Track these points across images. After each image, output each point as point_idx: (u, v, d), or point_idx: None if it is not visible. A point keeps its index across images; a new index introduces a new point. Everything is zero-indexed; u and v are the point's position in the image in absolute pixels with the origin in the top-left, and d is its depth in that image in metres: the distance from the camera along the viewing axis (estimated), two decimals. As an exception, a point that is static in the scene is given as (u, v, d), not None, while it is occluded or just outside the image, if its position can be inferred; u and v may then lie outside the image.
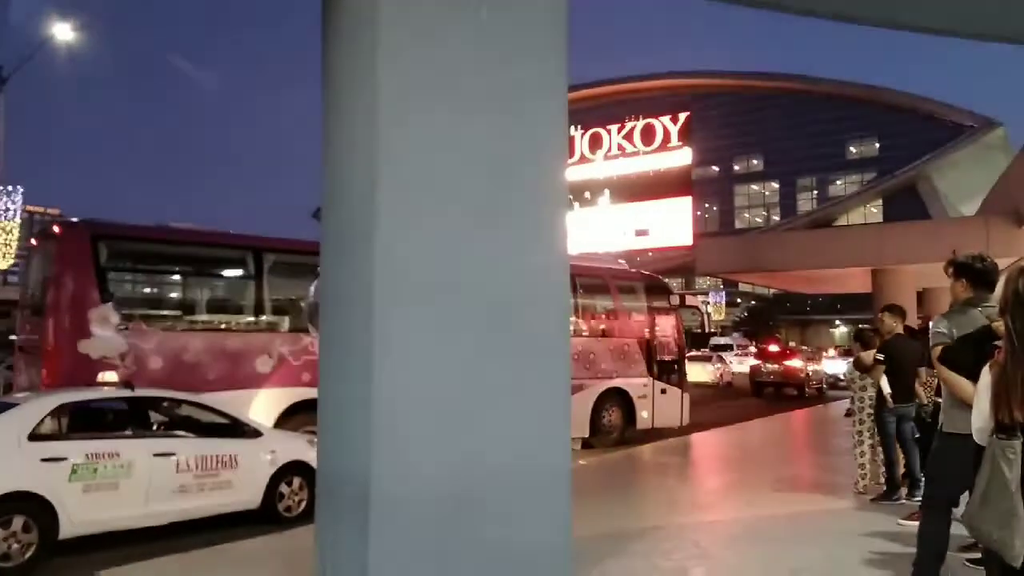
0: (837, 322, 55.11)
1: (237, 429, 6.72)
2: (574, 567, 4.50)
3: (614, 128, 31.65)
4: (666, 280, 14.60)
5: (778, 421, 15.52)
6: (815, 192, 59.11)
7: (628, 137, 31.51)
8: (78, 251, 7.64)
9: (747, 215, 60.79)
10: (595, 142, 31.75)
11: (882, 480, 7.26)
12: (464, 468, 4.19)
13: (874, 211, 52.63)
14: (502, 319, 4.40)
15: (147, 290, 9.32)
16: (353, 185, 4.45)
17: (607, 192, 30.72)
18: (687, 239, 29.51)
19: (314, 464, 5.57)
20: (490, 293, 4.38)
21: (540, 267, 4.57)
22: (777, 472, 8.82)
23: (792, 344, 33.40)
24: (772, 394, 23.32)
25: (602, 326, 12.17)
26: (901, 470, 7.05)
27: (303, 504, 6.73)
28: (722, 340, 41.58)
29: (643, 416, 12.13)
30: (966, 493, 4.25)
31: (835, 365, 27.57)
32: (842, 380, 26.21)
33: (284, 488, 6.70)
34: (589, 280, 11.97)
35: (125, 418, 6.38)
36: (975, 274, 4.27)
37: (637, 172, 31.20)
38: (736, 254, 25.17)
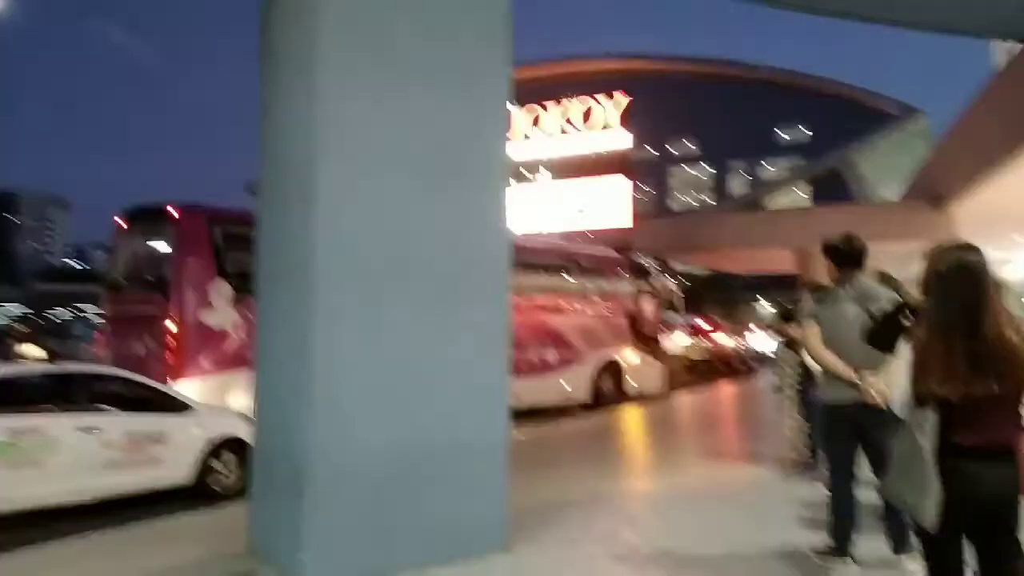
0: (763, 301, 56.87)
1: (167, 404, 6.56)
2: (510, 536, 4.60)
3: (554, 107, 31.73)
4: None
5: (708, 394, 16.02)
6: (746, 175, 60.55)
7: (568, 117, 31.64)
8: (198, 233, 8.78)
9: (682, 197, 61.91)
10: (534, 121, 31.75)
11: (805, 449, 7.57)
12: (403, 443, 4.22)
13: (802, 195, 54.21)
14: (443, 294, 4.42)
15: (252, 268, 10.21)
16: (292, 158, 4.39)
17: (546, 172, 30.82)
18: (626, 219, 29.89)
19: (248, 439, 5.51)
20: (431, 269, 4.39)
21: (481, 243, 4.60)
22: (707, 443, 9.12)
23: (721, 322, 34.33)
24: (703, 369, 23.95)
25: (600, 305, 13.51)
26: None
27: (236, 480, 6.63)
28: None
29: (631, 384, 13.58)
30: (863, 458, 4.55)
31: (762, 341, 28.48)
32: (769, 356, 27.20)
33: (217, 464, 6.60)
34: (589, 264, 13.58)
35: (49, 393, 6.16)
36: (840, 255, 4.47)
37: (576, 152, 31.37)
38: (673, 234, 25.71)
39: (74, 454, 5.68)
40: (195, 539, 4.95)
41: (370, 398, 4.14)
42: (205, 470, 6.51)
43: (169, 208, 9.08)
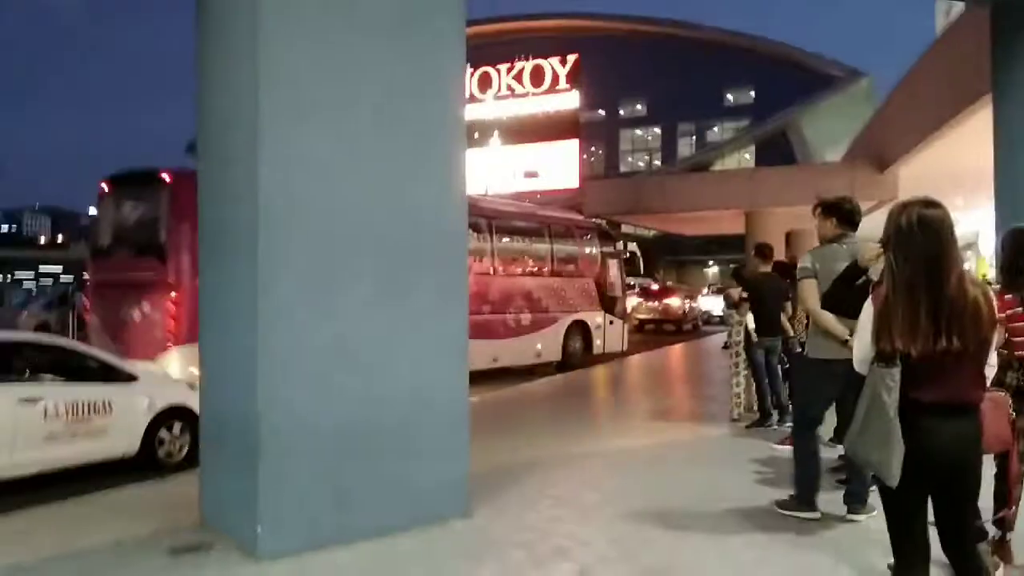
0: (711, 262, 57.78)
1: (111, 373, 6.32)
2: (470, 500, 4.58)
3: (503, 68, 31.34)
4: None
5: (659, 355, 16.26)
6: (694, 138, 61.01)
7: (518, 78, 31.34)
8: (194, 197, 8.58)
9: (631, 159, 62.14)
10: (484, 82, 31.36)
11: (755, 408, 7.75)
12: (359, 408, 4.12)
13: (747, 157, 54.92)
14: (398, 256, 4.30)
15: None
16: (233, 115, 4.17)
17: (496, 133, 30.52)
18: (575, 181, 29.91)
19: (195, 408, 5.35)
20: (385, 230, 4.26)
21: (438, 204, 4.47)
22: (660, 402, 9.25)
23: (670, 283, 34.76)
24: (652, 330, 24.30)
25: (568, 268, 14.19)
26: (772, 399, 7.54)
27: (184, 450, 6.47)
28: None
29: (597, 343, 14.33)
30: (829, 416, 4.66)
31: (709, 302, 29.03)
32: (716, 316, 27.78)
33: (164, 434, 6.41)
34: (558, 228, 14.14)
35: (-15, 364, 5.87)
36: (843, 214, 4.56)
37: (526, 114, 31.15)
38: (621, 196, 25.74)
39: (14, 426, 5.43)
40: (145, 512, 4.80)
41: (323, 363, 4.03)
42: (152, 441, 6.32)
43: (162, 173, 9.13)
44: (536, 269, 13.49)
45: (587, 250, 14.73)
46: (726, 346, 9.49)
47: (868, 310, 2.52)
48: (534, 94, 31.62)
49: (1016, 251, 3.56)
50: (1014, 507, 3.18)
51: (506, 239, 12.99)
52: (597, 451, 6.38)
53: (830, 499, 4.60)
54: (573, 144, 31.03)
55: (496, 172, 29.10)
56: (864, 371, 2.56)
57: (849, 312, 3.93)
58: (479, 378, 10.61)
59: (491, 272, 12.23)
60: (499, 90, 31.24)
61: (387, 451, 4.21)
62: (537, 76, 31.80)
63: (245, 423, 3.93)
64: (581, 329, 13.98)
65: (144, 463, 6.22)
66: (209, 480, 4.42)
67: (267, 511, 3.84)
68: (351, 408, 4.10)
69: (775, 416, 7.37)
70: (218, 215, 4.34)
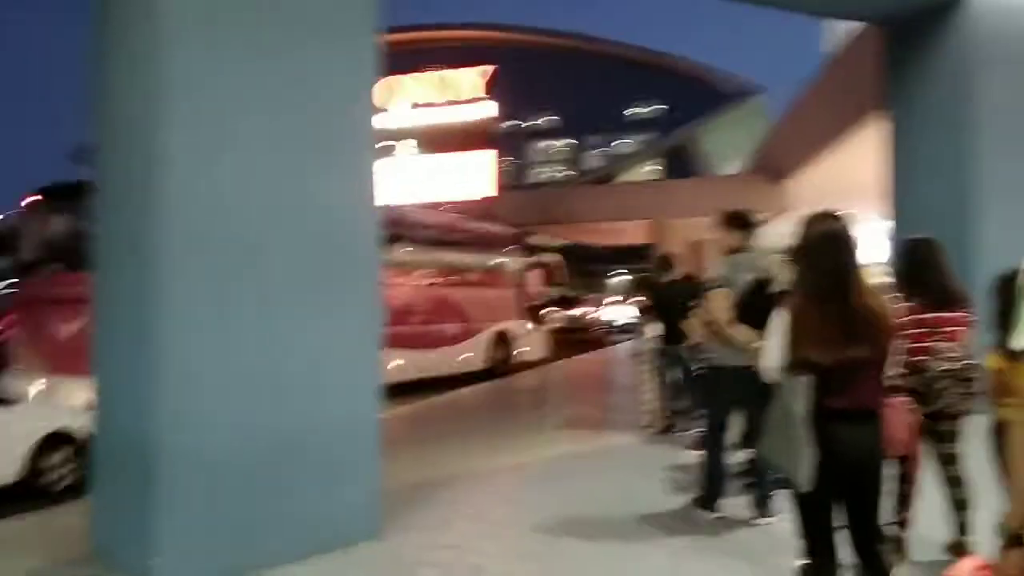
0: (617, 272, 59.13)
1: (-13, 397, 5.86)
2: (382, 522, 4.44)
3: (417, 77, 31.15)
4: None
5: (569, 364, 16.41)
6: (603, 149, 62.38)
7: (431, 87, 31.18)
8: None
9: (540, 170, 62.93)
10: (397, 90, 31.03)
11: (664, 415, 7.88)
12: (264, 430, 3.93)
13: (653, 169, 56.52)
14: (308, 270, 4.14)
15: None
16: (131, 121, 3.92)
17: (410, 142, 30.29)
18: (489, 191, 29.97)
19: (80, 434, 5.00)
20: (294, 243, 4.09)
21: (350, 216, 4.34)
22: (571, 412, 9.30)
23: (578, 292, 35.37)
24: (561, 339, 24.55)
25: (492, 279, 14.45)
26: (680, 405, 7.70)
27: (70, 477, 6.05)
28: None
29: (520, 352, 14.65)
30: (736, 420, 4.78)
31: (616, 311, 29.61)
32: (623, 325, 28.35)
33: (47, 460, 5.97)
34: (483, 239, 14.47)
35: None
36: (740, 225, 4.73)
37: (440, 123, 31.03)
38: (532, 207, 26.03)
39: None
40: (29, 545, 4.44)
41: (227, 383, 3.83)
42: (35, 468, 5.88)
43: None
44: (462, 280, 13.55)
45: (510, 261, 15.05)
46: (636, 354, 9.65)
47: (778, 320, 2.58)
48: (448, 104, 31.55)
49: (913, 261, 3.74)
50: (909, 508, 3.33)
51: (433, 251, 12.95)
52: (510, 464, 6.35)
53: (738, 503, 4.72)
54: (488, 154, 31.09)
55: (410, 181, 28.85)
56: (774, 379, 2.61)
57: (756, 323, 4.06)
58: (408, 389, 11.02)
59: (419, 284, 12.33)
60: (413, 99, 31.00)
61: (293, 474, 4.03)
62: (452, 86, 31.78)
63: (141, 447, 3.68)
64: (505, 338, 14.24)
65: (28, 492, 5.78)
66: (101, 509, 4.13)
67: (163, 541, 3.61)
68: (255, 430, 3.91)
69: (683, 422, 7.52)
70: (116, 225, 4.07)
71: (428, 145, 30.57)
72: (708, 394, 4.94)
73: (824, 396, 2.46)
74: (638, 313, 8.16)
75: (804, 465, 2.43)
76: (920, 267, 3.74)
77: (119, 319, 4.02)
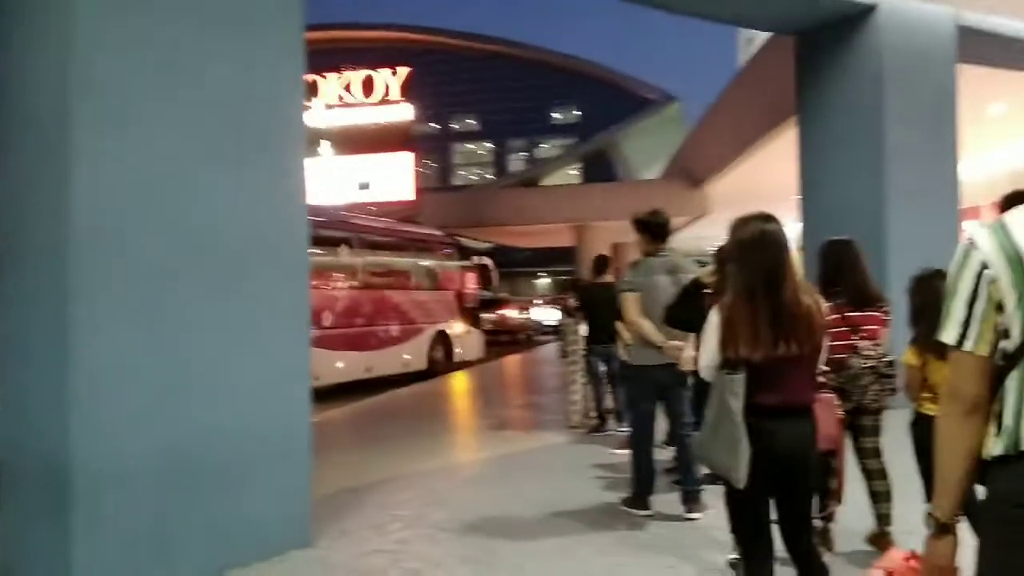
0: (542, 274, 59.63)
1: None
2: (313, 529, 4.33)
3: (333, 77, 30.61)
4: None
5: (497, 365, 16.46)
6: (524, 153, 62.84)
7: (348, 88, 30.69)
8: None
9: (464, 172, 62.89)
10: (313, 90, 30.37)
11: (592, 415, 7.99)
12: (186, 437, 3.76)
13: (573, 173, 57.29)
14: (231, 273, 3.98)
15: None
16: (39, 116, 3.68)
17: (327, 143, 29.70)
18: (409, 194, 29.71)
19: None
20: (216, 245, 3.93)
21: (275, 217, 4.20)
22: (501, 413, 9.31)
23: (504, 294, 35.49)
24: (488, 340, 24.59)
25: (431, 281, 14.86)
26: (608, 405, 7.82)
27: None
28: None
29: (458, 351, 15.19)
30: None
31: (542, 312, 29.87)
32: (549, 326, 28.62)
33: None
34: (422, 243, 15.03)
35: None
36: (651, 228, 4.82)
37: (358, 124, 30.54)
38: (457, 210, 25.97)
39: None
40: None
41: (145, 392, 3.64)
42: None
43: None
44: (403, 282, 13.99)
45: (447, 264, 15.56)
46: (563, 355, 9.74)
47: (713, 319, 2.62)
48: (366, 105, 31.10)
49: (831, 262, 3.89)
50: (838, 501, 3.45)
51: (376, 254, 13.36)
52: (443, 466, 6.29)
53: (667, 500, 4.81)
54: (407, 156, 30.81)
55: (328, 183, 28.29)
56: (710, 377, 2.66)
57: (687, 326, 4.17)
58: (354, 388, 11.71)
59: (363, 286, 12.63)
60: (329, 99, 30.43)
61: (220, 484, 3.87)
62: (368, 86, 31.33)
63: (54, 460, 3.46)
64: (443, 339, 14.76)
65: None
66: (10, 528, 3.84)
67: (82, 560, 3.40)
68: (178, 438, 3.74)
69: (611, 421, 7.64)
70: (22, 222, 3.81)
71: (344, 146, 30.07)
72: (627, 392, 5.04)
73: (757, 393, 2.50)
74: (565, 314, 8.25)
75: (742, 464, 2.47)
76: (839, 268, 3.89)
77: (26, 325, 3.77)
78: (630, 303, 4.69)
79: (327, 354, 11.21)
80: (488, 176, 60.89)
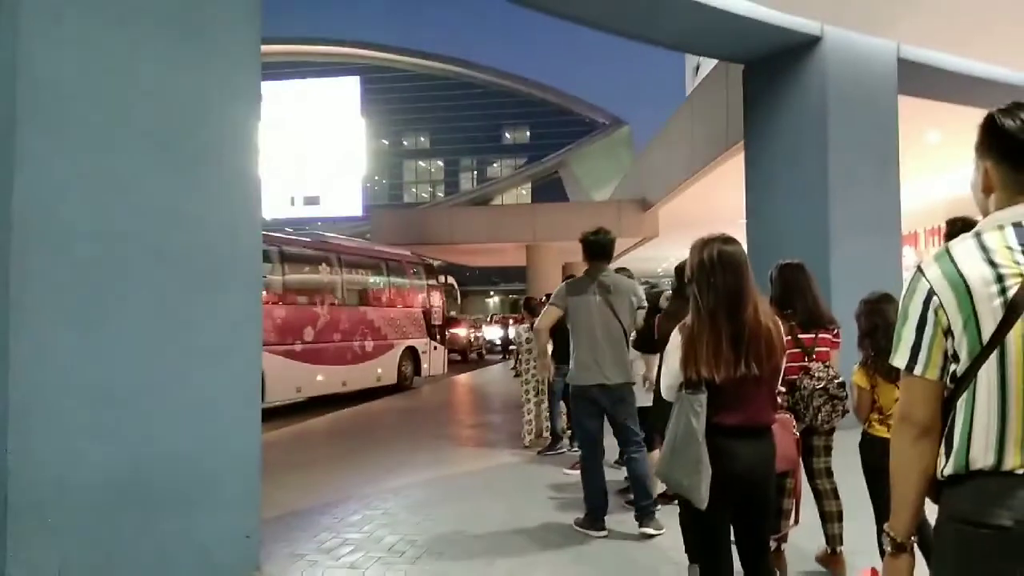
0: (492, 293, 59.68)
1: None
2: (262, 552, 4.20)
3: (284, 88, 30.30)
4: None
5: (448, 383, 16.35)
6: (475, 172, 63.06)
7: (298, 100, 30.40)
8: None
9: (415, 190, 62.73)
10: (264, 100, 29.99)
11: (546, 434, 7.97)
12: (130, 458, 3.62)
13: (524, 193, 57.70)
14: (180, 286, 3.86)
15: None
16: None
17: (274, 156, 29.30)
18: (357, 209, 29.48)
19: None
20: (165, 255, 3.81)
21: (228, 228, 4.09)
22: (453, 432, 9.23)
23: (454, 313, 35.41)
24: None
25: (401, 299, 15.59)
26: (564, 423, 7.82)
27: None
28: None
29: (425, 367, 16.03)
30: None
31: (492, 331, 29.87)
32: (498, 345, 28.62)
33: None
34: (393, 263, 15.59)
35: None
36: (590, 247, 4.88)
37: (306, 138, 30.24)
38: (408, 227, 25.78)
39: None
40: None
41: (88, 407, 3.49)
42: None
43: None
44: (377, 300, 14.72)
45: (416, 283, 16.31)
46: (517, 374, 9.72)
47: (676, 338, 2.64)
48: (315, 119, 30.84)
49: (783, 286, 3.97)
50: (793, 521, 3.49)
51: (351, 274, 13.99)
52: (395, 486, 6.19)
53: (621, 519, 4.82)
54: (356, 171, 30.59)
55: (275, 196, 27.88)
56: (671, 397, 2.67)
57: (650, 348, 4.21)
58: (329, 401, 12.49)
59: (339, 303, 13.32)
60: (278, 112, 30.07)
61: (164, 506, 3.73)
62: (319, 100, 31.10)
63: (-12, 480, 3.29)
64: (412, 354, 15.61)
65: None
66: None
67: (14, 586, 3.23)
68: (122, 457, 3.59)
69: (565, 440, 7.64)
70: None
71: (293, 159, 29.73)
72: (575, 413, 5.05)
73: (719, 413, 2.52)
74: (523, 331, 8.23)
75: (703, 484, 2.47)
76: (791, 291, 3.97)
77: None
78: (547, 314, 4.89)
79: (309, 368, 12.07)
80: (439, 194, 60.87)
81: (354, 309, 13.73)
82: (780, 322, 2.70)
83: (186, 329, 3.87)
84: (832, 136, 8.61)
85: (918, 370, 1.51)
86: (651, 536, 4.56)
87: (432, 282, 16.88)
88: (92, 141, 3.56)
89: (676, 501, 3.80)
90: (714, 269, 2.56)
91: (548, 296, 9.05)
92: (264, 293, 11.52)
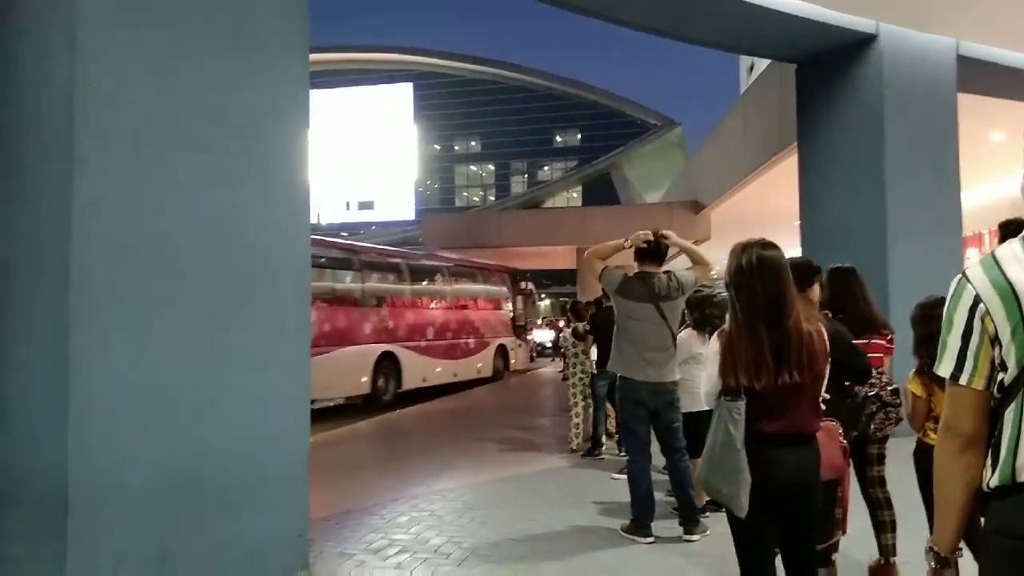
0: (543, 295, 59.68)
1: None
2: (311, 551, 4.29)
3: (340, 96, 30.86)
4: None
5: (498, 386, 16.46)
6: (526, 176, 63.18)
7: (354, 107, 30.93)
8: None
9: (466, 194, 63.14)
10: (317, 108, 30.63)
11: (592, 438, 7.93)
12: (183, 457, 3.73)
13: (575, 196, 57.52)
14: (231, 291, 3.98)
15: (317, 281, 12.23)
16: (44, 132, 3.70)
17: (331, 161, 29.89)
18: (410, 214, 29.82)
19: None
20: (218, 261, 3.93)
21: (278, 237, 4.19)
22: (500, 435, 9.25)
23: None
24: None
25: (494, 303, 18.21)
26: (609, 428, 7.79)
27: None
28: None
29: (513, 362, 18.63)
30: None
31: (542, 334, 29.82)
32: (548, 348, 28.57)
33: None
34: (487, 273, 18.44)
35: None
36: (641, 249, 4.84)
37: (361, 144, 30.75)
38: (459, 231, 26.00)
39: None
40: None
41: (143, 411, 3.62)
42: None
43: None
44: (475, 305, 17.23)
45: (504, 289, 18.90)
46: (564, 378, 9.70)
47: (715, 344, 2.61)
48: (369, 125, 31.35)
49: (836, 289, 3.88)
50: (841, 531, 3.41)
51: (457, 283, 16.62)
52: (439, 490, 6.24)
53: (669, 526, 4.77)
54: (409, 176, 30.99)
55: (330, 201, 28.43)
56: (711, 405, 2.64)
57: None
58: (441, 390, 14.48)
59: (450, 307, 15.87)
60: (332, 118, 30.64)
61: (216, 505, 3.84)
62: (373, 106, 31.60)
63: (51, 475, 3.44)
64: (503, 351, 18.08)
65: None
66: (4, 543, 3.81)
67: (76, 577, 3.36)
68: (176, 458, 3.71)
69: (606, 445, 7.61)
70: (27, 234, 3.79)
71: (347, 165, 30.26)
72: (623, 417, 5.02)
73: (760, 421, 2.48)
74: (575, 337, 8.22)
75: (743, 492, 2.44)
76: (842, 295, 3.88)
77: (22, 340, 3.75)
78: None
79: (431, 361, 14.56)
80: (490, 198, 61.10)
81: (460, 312, 16.24)
82: (824, 329, 2.64)
83: (237, 333, 3.98)
84: (888, 136, 8.38)
85: (963, 379, 1.47)
86: (692, 541, 4.51)
87: (518, 289, 19.34)
88: (147, 152, 3.69)
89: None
90: (752, 275, 2.51)
91: (590, 301, 9.11)
92: (398, 299, 14.10)
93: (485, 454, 8.00)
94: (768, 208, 16.33)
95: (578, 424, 8.12)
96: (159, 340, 3.71)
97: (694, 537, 4.57)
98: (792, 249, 10.27)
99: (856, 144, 8.74)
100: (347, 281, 13.06)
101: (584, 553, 4.47)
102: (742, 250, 2.58)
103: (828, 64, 8.99)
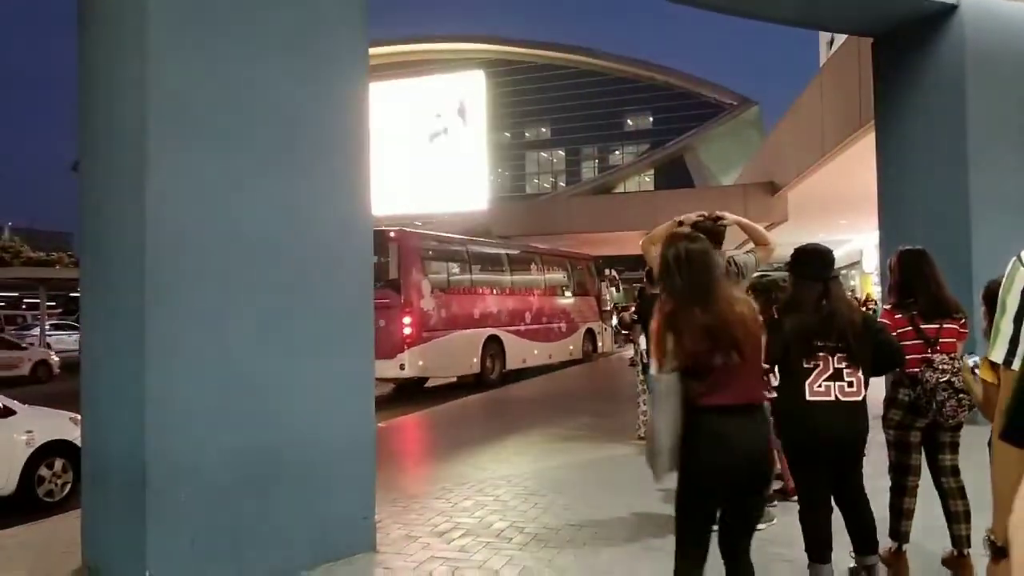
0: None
1: (-18, 409, 5.85)
2: (378, 533, 4.43)
3: (409, 84, 31.22)
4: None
5: (569, 372, 16.52)
6: (597, 161, 62.58)
7: (423, 95, 31.26)
8: (414, 248, 13.23)
9: (537, 180, 63.06)
10: (387, 98, 31.06)
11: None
12: (255, 440, 3.91)
13: (647, 180, 56.68)
14: (297, 280, 4.13)
15: (436, 272, 14.06)
16: (119, 130, 3.91)
17: (396, 152, 30.32)
18: (482, 203, 30.00)
19: (79, 443, 4.96)
20: (283, 251, 4.08)
21: (341, 228, 4.33)
22: (568, 421, 9.28)
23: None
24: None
25: (582, 290, 19.36)
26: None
27: (67, 488, 6.05)
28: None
29: (600, 345, 19.81)
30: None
31: (614, 320, 29.60)
32: (625, 332, 28.36)
33: (44, 471, 5.97)
34: (574, 261, 19.67)
35: None
36: (703, 232, 4.73)
37: (431, 133, 31.07)
38: (528, 218, 26.04)
39: None
40: (24, 557, 4.41)
41: (216, 395, 3.81)
42: (31, 478, 5.86)
43: (391, 231, 12.92)
44: (568, 291, 18.65)
45: (590, 276, 19.98)
46: (632, 363, 9.64)
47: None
48: (439, 114, 31.64)
49: (906, 272, 3.75)
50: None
51: (550, 271, 18.03)
52: (508, 474, 6.32)
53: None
54: (481, 164, 31.16)
55: (403, 191, 28.87)
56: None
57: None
58: (534, 370, 15.92)
59: (545, 294, 17.32)
60: (402, 108, 31.06)
61: (287, 486, 4.01)
62: (442, 96, 31.85)
63: (131, 457, 3.66)
64: (591, 335, 19.30)
65: (23, 503, 5.75)
66: (92, 521, 4.09)
67: (156, 553, 3.58)
68: (247, 441, 3.89)
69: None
70: (101, 237, 4.05)
71: (416, 154, 30.61)
72: None
73: (708, 395, 2.58)
74: (625, 326, 8.19)
75: (662, 463, 2.57)
76: (912, 278, 3.75)
77: (106, 329, 3.98)
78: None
79: (530, 344, 16.12)
80: (561, 184, 60.82)
81: (554, 299, 17.66)
82: (755, 306, 2.76)
83: (304, 321, 4.13)
84: (971, 111, 7.95)
85: (1017, 364, 1.42)
86: (758, 530, 4.44)
87: (601, 275, 20.24)
88: (216, 147, 3.86)
89: (794, 497, 3.70)
90: (680, 265, 2.72)
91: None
92: (501, 287, 15.66)
93: (552, 440, 8.05)
94: (847, 188, 15.75)
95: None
96: (230, 328, 3.88)
97: (760, 526, 4.49)
98: (872, 232, 9.86)
99: (937, 121, 8.33)
100: (458, 272, 14.82)
101: (644, 540, 4.47)
102: (670, 244, 2.82)
103: (906, 37, 8.58)
